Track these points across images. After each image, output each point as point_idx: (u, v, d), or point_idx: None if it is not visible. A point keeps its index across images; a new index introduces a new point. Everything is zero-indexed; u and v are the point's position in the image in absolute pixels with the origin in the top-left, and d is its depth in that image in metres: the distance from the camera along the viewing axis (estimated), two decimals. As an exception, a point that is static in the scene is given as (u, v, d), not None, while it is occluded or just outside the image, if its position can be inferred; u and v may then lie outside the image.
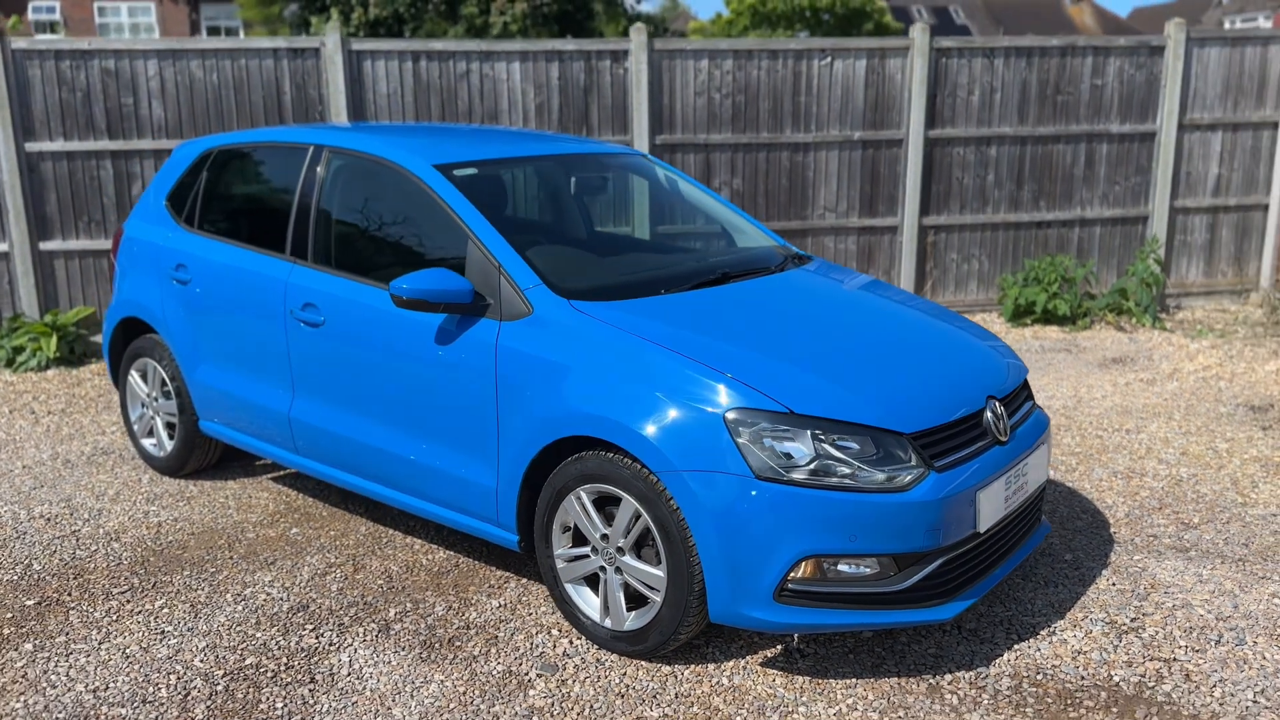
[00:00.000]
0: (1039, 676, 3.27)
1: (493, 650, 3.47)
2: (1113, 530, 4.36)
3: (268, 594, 3.90)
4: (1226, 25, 43.02)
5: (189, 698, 3.22)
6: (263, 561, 4.17)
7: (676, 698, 3.18)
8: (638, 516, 3.24)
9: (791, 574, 3.04)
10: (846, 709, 3.11)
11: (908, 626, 3.27)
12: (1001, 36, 8.71)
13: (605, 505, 3.39)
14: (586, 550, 3.44)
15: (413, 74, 7.60)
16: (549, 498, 3.47)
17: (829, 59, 8.03)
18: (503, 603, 3.80)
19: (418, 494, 3.93)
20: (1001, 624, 3.59)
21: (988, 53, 8.22)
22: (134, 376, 5.12)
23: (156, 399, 5.04)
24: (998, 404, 3.46)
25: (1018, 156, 8.45)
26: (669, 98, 7.88)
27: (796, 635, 3.49)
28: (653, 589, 3.27)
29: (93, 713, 3.14)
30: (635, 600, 3.39)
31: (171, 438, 5.04)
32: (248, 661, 3.43)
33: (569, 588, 3.52)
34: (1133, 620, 3.61)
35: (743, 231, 4.68)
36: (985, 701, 3.14)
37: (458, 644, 3.52)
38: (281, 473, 5.16)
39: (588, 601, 3.49)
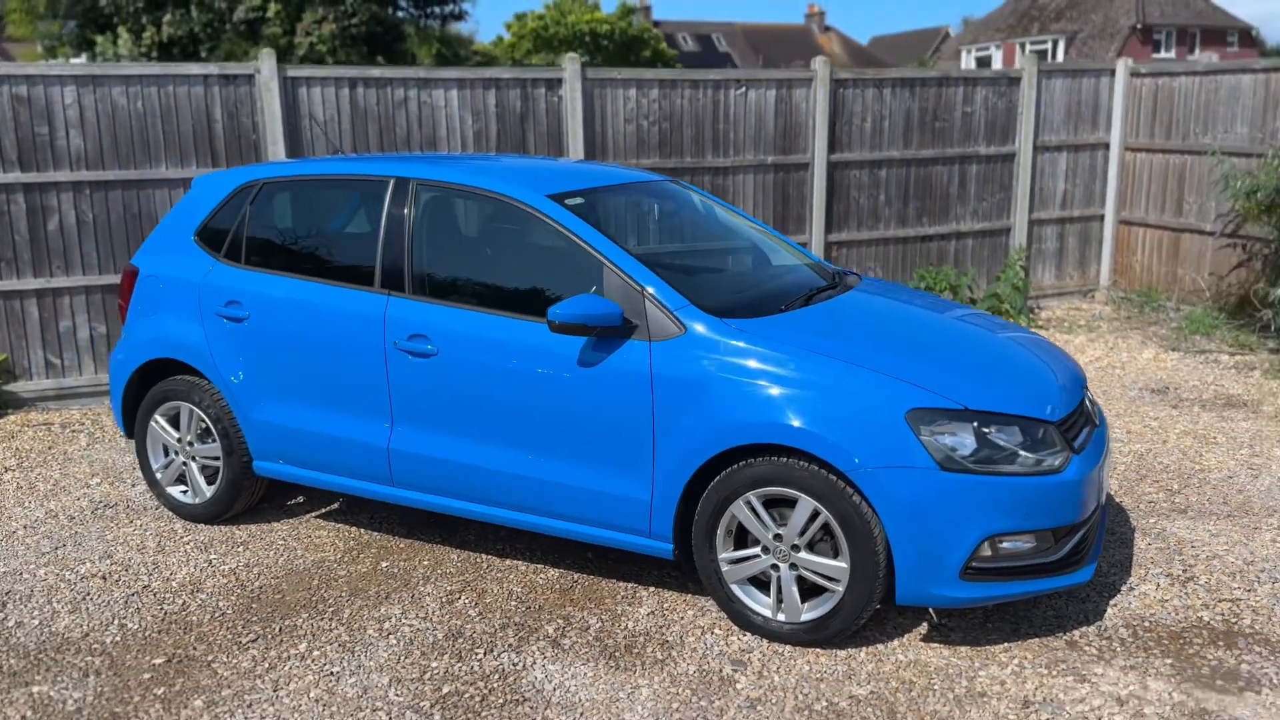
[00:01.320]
0: (1146, 624, 3.83)
1: (673, 654, 3.66)
2: (1118, 500, 5.04)
3: (411, 625, 3.90)
4: (964, 55, 47.49)
5: (414, 730, 3.24)
6: (377, 596, 4.14)
7: (870, 676, 3.51)
8: (815, 514, 3.55)
9: (975, 554, 3.44)
10: (1017, 668, 3.54)
11: (1060, 590, 3.74)
12: (890, 69, 9.55)
13: (771, 507, 3.66)
14: (755, 551, 3.70)
15: (349, 101, 7.49)
16: (712, 505, 3.71)
17: (744, 89, 8.56)
18: (649, 611, 3.99)
19: (549, 514, 4.05)
20: (1087, 585, 4.13)
21: (877, 83, 9.01)
22: (159, 422, 4.87)
23: (191, 443, 4.83)
24: (1088, 392, 4.01)
25: (904, 177, 9.29)
26: (601, 125, 8.16)
27: (934, 612, 3.90)
28: (832, 580, 3.59)
29: (327, 755, 3.11)
30: (807, 594, 3.68)
31: (211, 483, 4.84)
32: (445, 690, 3.46)
33: (735, 588, 3.77)
34: (1184, 572, 4.26)
35: (776, 249, 5.06)
36: (1119, 649, 3.66)
37: (636, 651, 3.69)
38: (323, 510, 5.05)
39: (757, 599, 3.75)
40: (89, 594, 4.21)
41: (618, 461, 3.85)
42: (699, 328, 3.75)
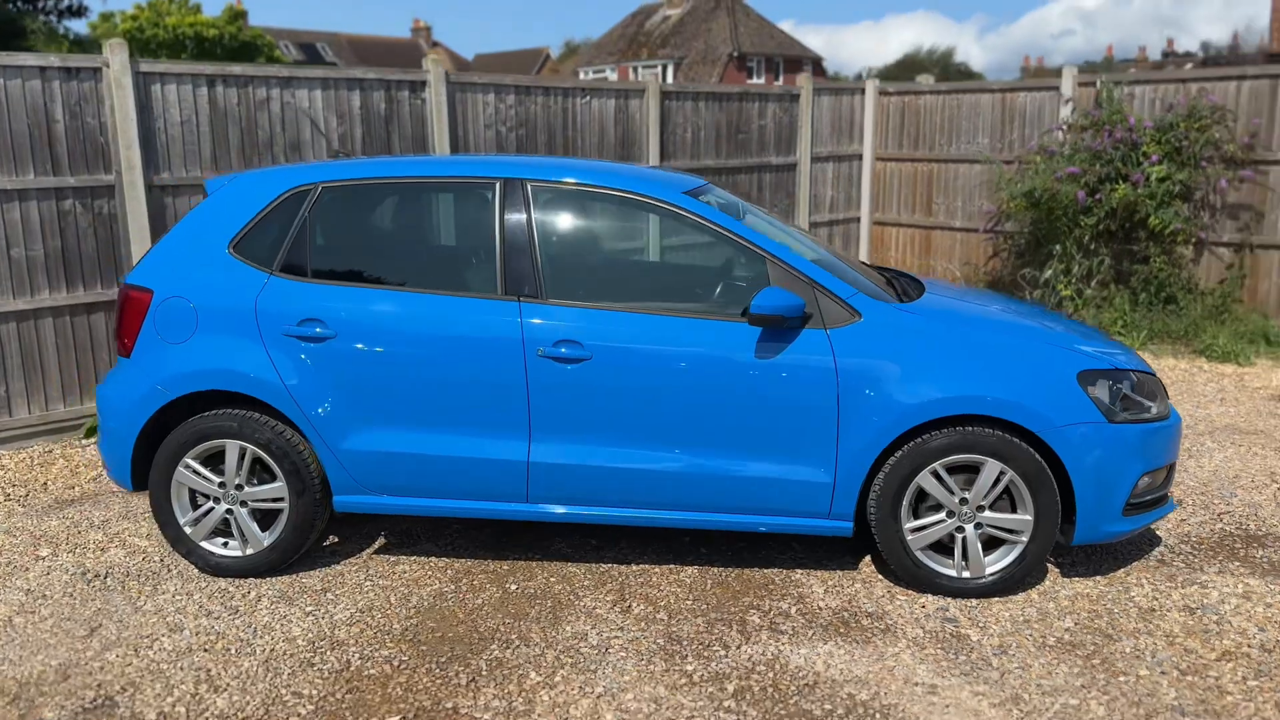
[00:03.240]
0: (1192, 541, 4.65)
1: (888, 623, 3.89)
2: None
3: (617, 637, 3.77)
4: (582, 75, 49.91)
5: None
6: (546, 617, 3.93)
7: (1061, 612, 3.96)
8: (1000, 475, 3.95)
9: (1133, 492, 4.03)
10: (1151, 587, 4.17)
11: (1166, 517, 4.43)
12: (706, 83, 10.11)
13: (951, 473, 4.01)
14: (939, 517, 4.02)
15: (208, 99, 6.68)
16: (897, 479, 3.98)
17: (588, 98, 8.71)
18: (822, 590, 4.16)
19: (717, 509, 4.08)
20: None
21: (694, 97, 9.56)
22: (192, 468, 4.18)
23: (241, 487, 4.20)
24: None
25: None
26: (463, 130, 7.93)
27: (1072, 548, 4.42)
28: (1015, 533, 4.00)
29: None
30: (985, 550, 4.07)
31: (266, 529, 4.24)
32: (730, 687, 3.43)
33: (920, 555, 4.06)
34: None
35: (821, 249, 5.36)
36: (1198, 560, 4.43)
37: (855, 625, 3.86)
38: (374, 547, 4.61)
39: (940, 562, 4.07)
40: (209, 670, 3.57)
41: (799, 448, 3.99)
42: (874, 313, 4.00)
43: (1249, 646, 3.69)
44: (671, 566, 4.38)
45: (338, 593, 4.16)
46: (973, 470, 3.99)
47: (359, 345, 4.06)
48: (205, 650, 3.70)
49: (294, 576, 4.29)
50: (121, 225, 6.43)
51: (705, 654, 3.65)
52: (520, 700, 3.37)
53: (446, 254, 4.33)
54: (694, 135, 9.57)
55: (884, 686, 3.44)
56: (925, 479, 3.97)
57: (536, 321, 4.02)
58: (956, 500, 4.00)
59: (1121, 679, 3.48)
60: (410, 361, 4.06)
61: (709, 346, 3.98)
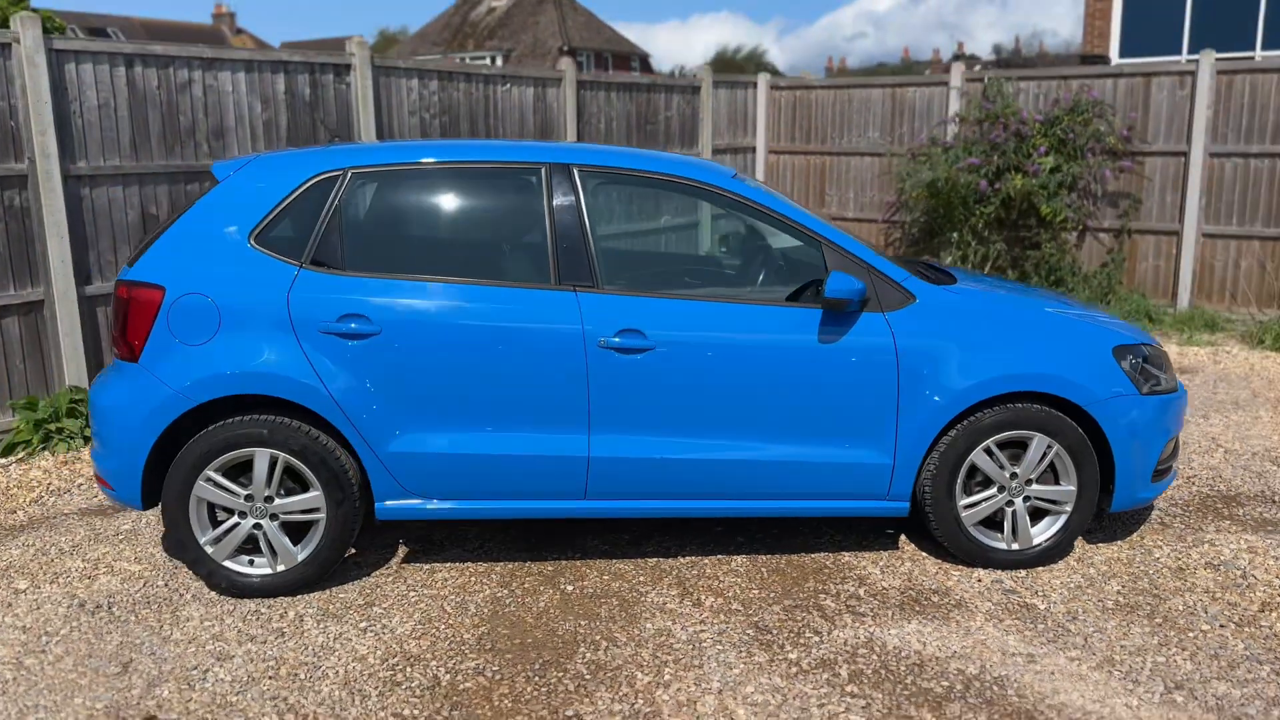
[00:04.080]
0: (1180, 504, 4.98)
1: (955, 599, 3.97)
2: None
3: (704, 631, 3.69)
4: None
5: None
6: (620, 617, 3.81)
7: (1104, 576, 4.16)
8: (1047, 449, 4.10)
9: (1161, 459, 4.27)
10: (1173, 547, 4.43)
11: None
12: (620, 74, 10.01)
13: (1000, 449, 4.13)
14: (990, 492, 4.14)
15: (126, 81, 6.11)
16: (953, 457, 4.07)
17: (508, 85, 8.49)
18: (880, 570, 4.21)
19: (776, 496, 4.06)
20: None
21: (607, 87, 9.47)
22: (213, 480, 3.81)
23: (271, 499, 3.86)
24: None
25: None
26: (387, 116, 7.58)
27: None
28: (1058, 503, 4.17)
29: None
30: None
31: (298, 543, 3.92)
32: (843, 672, 3.42)
33: (973, 531, 4.17)
34: (1139, 465, 5.52)
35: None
36: (1195, 521, 4.74)
37: (927, 603, 3.93)
38: (400, 556, 4.34)
39: (991, 537, 4.19)
40: (287, 699, 3.27)
41: (861, 431, 4.02)
42: (926, 296, 4.07)
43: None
44: (719, 557, 4.33)
45: (385, 606, 3.89)
46: (1018, 446, 4.13)
47: (406, 341, 3.80)
48: (271, 678, 3.38)
49: (327, 593, 3.99)
50: (35, 220, 5.79)
51: (800, 641, 3.63)
52: (641, 702, 3.25)
53: (490, 243, 4.11)
54: (607, 125, 9.48)
55: (986, 660, 3.51)
56: (979, 456, 4.08)
57: (597, 312, 3.88)
58: (1007, 475, 4.12)
59: (1190, 635, 3.68)
60: (462, 356, 3.83)
61: (772, 332, 3.95)
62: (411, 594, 3.99)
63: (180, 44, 6.43)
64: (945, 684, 3.35)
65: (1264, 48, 15.23)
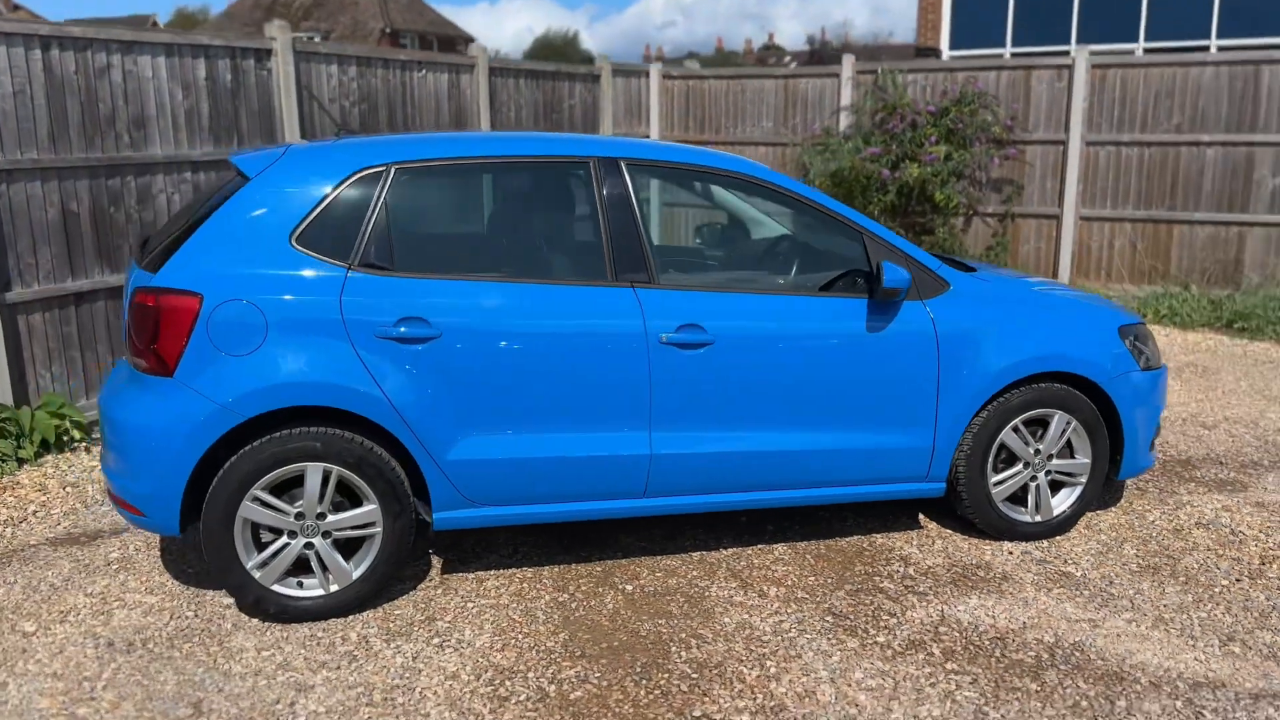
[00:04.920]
0: (1150, 471, 5.37)
1: (999, 573, 4.16)
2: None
3: (785, 621, 3.73)
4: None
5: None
6: (693, 613, 3.79)
7: (1117, 541, 4.44)
8: (1066, 425, 4.35)
9: (1157, 429, 4.59)
10: (1159, 509, 4.78)
11: None
12: (528, 61, 9.80)
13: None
14: (1017, 469, 4.35)
15: (43, 66, 5.55)
16: (986, 437, 4.26)
17: (424, 71, 8.20)
18: (916, 549, 4.35)
19: (824, 483, 4.14)
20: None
21: (516, 74, 9.29)
22: (261, 499, 3.55)
23: (323, 515, 3.64)
24: None
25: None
26: (309, 105, 7.19)
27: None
28: (1074, 476, 4.42)
29: None
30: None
31: (350, 560, 3.71)
32: (936, 650, 3.53)
33: (1002, 506, 4.37)
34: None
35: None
36: (1167, 485, 5.13)
37: (978, 579, 4.09)
38: (434, 568, 4.18)
39: (1017, 511, 4.40)
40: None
41: (905, 416, 4.14)
42: (960, 283, 4.23)
43: (1274, 549, 4.36)
44: (760, 547, 4.37)
45: (447, 620, 3.73)
46: (1039, 424, 4.35)
47: (467, 344, 3.65)
48: (368, 705, 3.19)
49: (380, 611, 3.78)
50: (-50, 218, 5.19)
51: (881, 624, 3.71)
52: (762, 696, 3.25)
53: (543, 240, 3.97)
54: (517, 114, 9.32)
55: (1056, 629, 3.69)
56: (1008, 435, 4.28)
57: (657, 307, 3.83)
58: (1032, 452, 4.34)
59: (1215, 590, 3.99)
60: (523, 358, 3.71)
61: (824, 323, 4.00)
62: (469, 605, 3.84)
63: (97, 24, 5.88)
64: (1032, 654, 3.51)
65: (1147, 39, 16.33)
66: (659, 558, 4.26)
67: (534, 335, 3.71)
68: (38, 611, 3.78)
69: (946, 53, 20.76)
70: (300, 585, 3.69)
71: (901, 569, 4.17)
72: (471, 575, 4.08)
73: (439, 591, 3.95)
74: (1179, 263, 9.46)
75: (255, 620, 3.70)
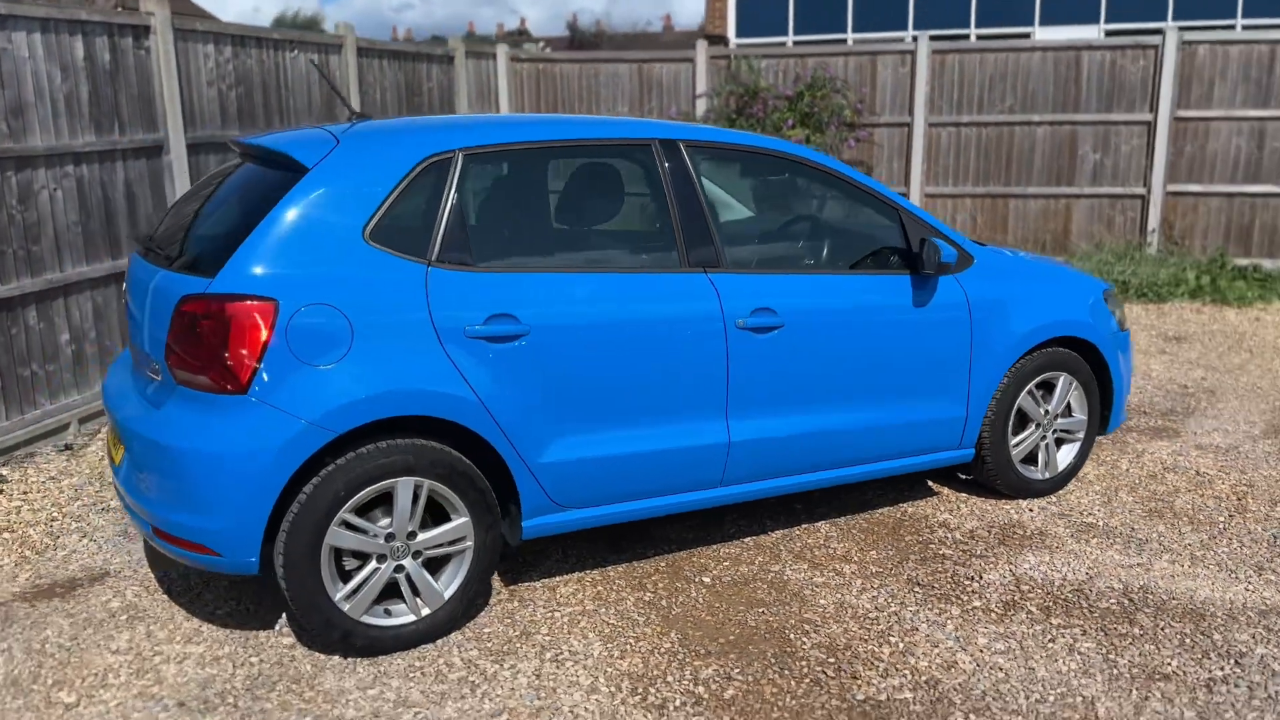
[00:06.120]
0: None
1: (1032, 530, 4.38)
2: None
3: (880, 598, 3.76)
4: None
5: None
6: (800, 598, 3.76)
7: (1113, 489, 4.78)
8: (1070, 385, 4.64)
9: (1129, 386, 4.98)
10: (1132, 457, 5.19)
11: None
12: (391, 42, 9.23)
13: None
14: (1031, 430, 4.59)
15: (-92, 40, 4.70)
16: (1007, 402, 4.47)
17: (295, 51, 7.59)
18: (951, 515, 4.50)
19: (875, 459, 4.21)
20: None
21: (379, 54, 8.78)
22: (348, 523, 3.20)
23: (413, 534, 3.32)
24: None
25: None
26: (188, 89, 6.50)
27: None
28: (1073, 433, 4.72)
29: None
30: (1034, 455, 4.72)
31: (440, 579, 3.42)
32: (1037, 600, 3.68)
33: (1020, 467, 4.59)
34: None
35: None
36: (1135, 438, 5.58)
37: (1019, 539, 4.29)
38: (497, 578, 3.93)
39: (1030, 470, 4.64)
40: (568, 750, 2.89)
41: (945, 387, 4.27)
42: (983, 256, 4.40)
43: (1242, 485, 4.84)
44: (804, 527, 4.38)
45: (545, 634, 3.50)
46: (1045, 387, 4.61)
47: (555, 339, 3.42)
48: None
49: (469, 633, 3.50)
50: None
51: (967, 589, 3.82)
52: (908, 672, 3.27)
53: (614, 227, 3.76)
54: (382, 96, 8.83)
55: (1117, 575, 3.94)
56: (1024, 399, 4.51)
57: (731, 292, 3.74)
58: (1042, 413, 4.59)
59: (1220, 527, 4.38)
60: (611, 351, 3.53)
61: (879, 300, 4.06)
62: (557, 615, 3.63)
63: (-32, -7, 5.05)
64: (1114, 602, 3.73)
65: (978, 25, 17.36)
66: (713, 547, 4.18)
67: (619, 326, 3.53)
68: (67, 679, 3.23)
69: (733, 41, 21.48)
70: (387, 613, 3.35)
71: (946, 534, 4.30)
72: (539, 584, 3.85)
73: (514, 605, 3.70)
74: (1015, 234, 10.26)
75: (335, 658, 3.33)
